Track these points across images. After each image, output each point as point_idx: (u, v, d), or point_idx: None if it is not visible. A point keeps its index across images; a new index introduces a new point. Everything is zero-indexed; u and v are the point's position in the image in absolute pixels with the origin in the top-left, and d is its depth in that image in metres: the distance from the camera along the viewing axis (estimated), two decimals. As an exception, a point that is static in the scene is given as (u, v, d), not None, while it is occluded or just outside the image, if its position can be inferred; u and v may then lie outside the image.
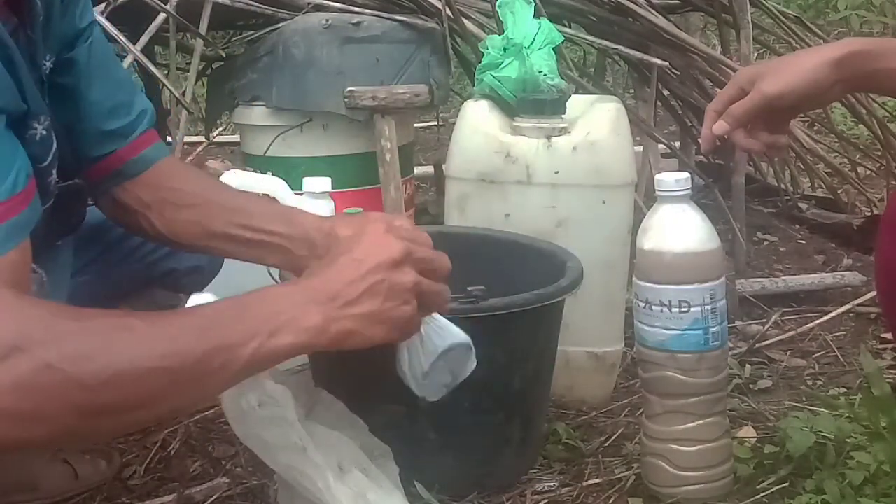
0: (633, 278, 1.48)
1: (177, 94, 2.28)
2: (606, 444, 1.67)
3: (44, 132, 1.18)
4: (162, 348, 0.98)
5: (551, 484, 1.56)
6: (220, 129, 4.03)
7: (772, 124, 1.40)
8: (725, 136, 1.39)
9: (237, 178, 1.89)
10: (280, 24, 2.38)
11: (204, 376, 1.02)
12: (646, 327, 1.46)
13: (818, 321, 2.15)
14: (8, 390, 0.91)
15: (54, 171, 1.23)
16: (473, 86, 1.95)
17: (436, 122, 3.76)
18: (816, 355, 2.03)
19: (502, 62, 1.83)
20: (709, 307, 1.43)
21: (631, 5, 2.55)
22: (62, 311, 1.01)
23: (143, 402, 0.99)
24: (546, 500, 1.52)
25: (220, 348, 1.01)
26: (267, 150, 2.36)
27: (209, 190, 1.46)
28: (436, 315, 1.23)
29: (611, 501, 1.52)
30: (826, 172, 3.11)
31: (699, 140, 1.50)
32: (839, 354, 2.02)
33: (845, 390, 1.85)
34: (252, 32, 2.58)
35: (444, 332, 1.24)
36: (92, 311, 1.02)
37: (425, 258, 1.17)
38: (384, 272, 1.11)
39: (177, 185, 1.43)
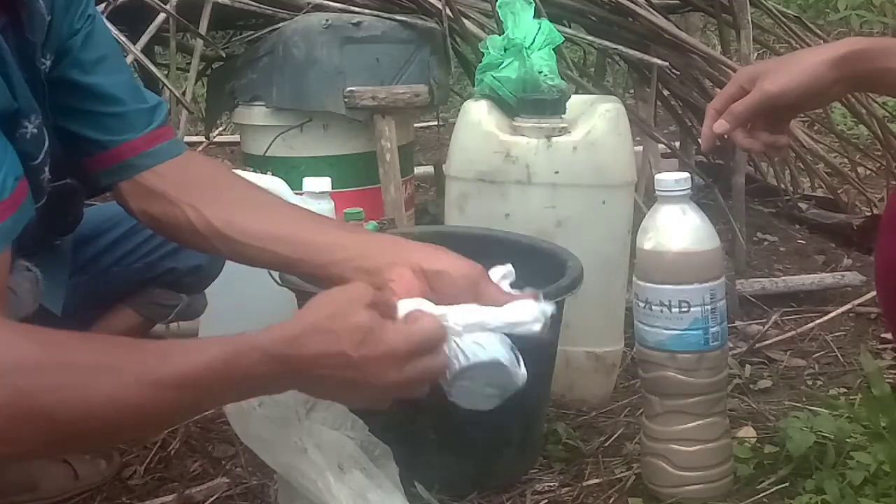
0: (633, 278, 1.48)
1: (177, 94, 2.28)
2: (606, 444, 1.67)
3: (35, 130, 1.17)
4: (142, 400, 0.95)
5: (551, 484, 1.56)
6: (220, 129, 4.02)
7: (772, 124, 1.40)
8: (725, 135, 1.39)
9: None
10: (280, 24, 2.38)
11: (175, 421, 1.11)
12: (646, 327, 1.46)
13: (818, 321, 2.14)
14: None
15: (46, 169, 1.22)
16: (473, 86, 1.95)
17: (436, 122, 3.75)
18: (816, 355, 2.03)
19: (502, 62, 1.83)
20: (709, 307, 1.43)
21: (631, 5, 2.55)
22: (47, 340, 0.97)
23: (108, 438, 1.05)
24: (546, 500, 1.52)
25: (199, 405, 1.03)
26: (267, 150, 2.37)
27: (267, 192, 1.37)
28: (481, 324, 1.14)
29: (611, 501, 1.52)
30: (826, 172, 3.11)
31: (699, 140, 1.49)
32: (839, 354, 2.02)
33: (845, 390, 1.85)
34: (252, 32, 2.58)
35: (469, 350, 1.12)
36: (78, 343, 0.98)
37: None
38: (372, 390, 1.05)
39: (237, 186, 1.36)
